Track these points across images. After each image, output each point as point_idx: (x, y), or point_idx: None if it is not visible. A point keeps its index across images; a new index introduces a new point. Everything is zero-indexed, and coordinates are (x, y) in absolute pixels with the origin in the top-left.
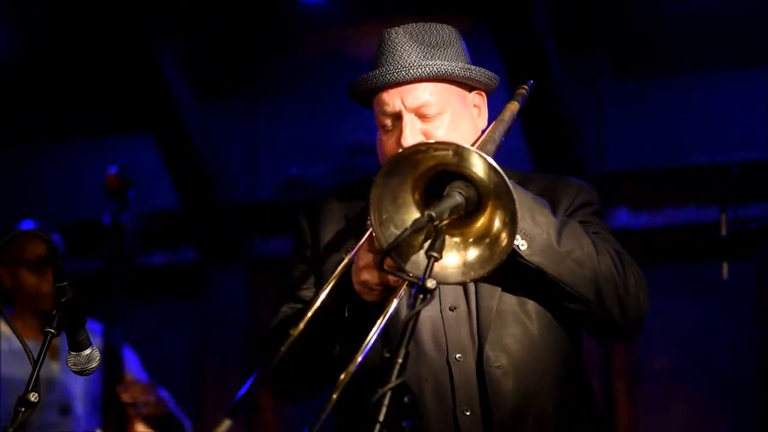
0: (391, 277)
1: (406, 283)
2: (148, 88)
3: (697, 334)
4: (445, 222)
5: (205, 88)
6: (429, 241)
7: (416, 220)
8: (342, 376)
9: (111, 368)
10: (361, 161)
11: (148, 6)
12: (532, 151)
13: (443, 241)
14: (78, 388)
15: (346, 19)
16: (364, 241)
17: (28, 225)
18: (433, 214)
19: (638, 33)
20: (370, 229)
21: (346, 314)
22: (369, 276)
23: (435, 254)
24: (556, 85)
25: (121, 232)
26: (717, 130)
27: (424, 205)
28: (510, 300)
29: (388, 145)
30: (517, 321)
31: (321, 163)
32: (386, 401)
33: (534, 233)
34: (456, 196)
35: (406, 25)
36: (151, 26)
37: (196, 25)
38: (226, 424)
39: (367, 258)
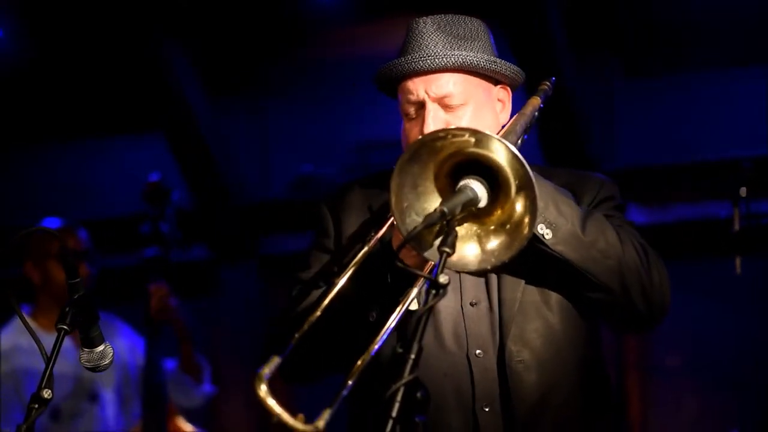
0: (415, 263)
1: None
2: (159, 87)
3: (710, 329)
4: (458, 217)
5: (216, 87)
6: (441, 237)
7: (428, 216)
8: (358, 363)
9: (151, 374)
10: (374, 159)
11: (159, 5)
12: (544, 148)
13: (455, 237)
14: (105, 375)
15: (358, 17)
16: (391, 225)
17: (51, 222)
18: (445, 210)
19: (649, 32)
20: (392, 218)
21: (365, 299)
22: None
23: (447, 249)
24: (568, 84)
25: (160, 240)
26: (728, 127)
27: (447, 192)
28: (533, 293)
29: (411, 134)
30: (539, 315)
31: (333, 161)
32: (399, 397)
33: (558, 222)
34: (468, 191)
35: (435, 15)
36: (162, 25)
37: (208, 24)
38: (275, 361)
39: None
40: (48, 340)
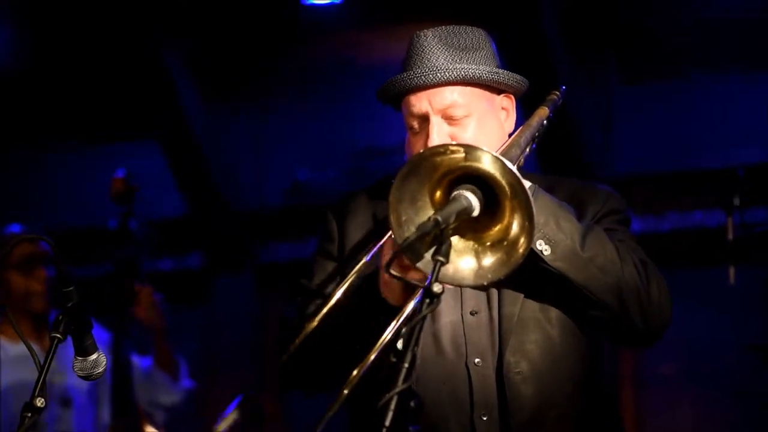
0: (412, 275)
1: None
2: (155, 92)
3: (704, 338)
4: (452, 226)
5: (212, 92)
6: (435, 246)
7: (421, 225)
8: (354, 373)
9: (119, 376)
10: (370, 165)
11: (155, 9)
12: (540, 155)
13: (449, 245)
14: (76, 380)
15: (355, 23)
16: (387, 241)
17: (14, 229)
18: (439, 218)
19: (645, 37)
20: (390, 232)
21: (365, 308)
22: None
23: (441, 258)
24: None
25: (128, 238)
26: (724, 134)
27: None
28: (532, 306)
29: (415, 147)
30: (539, 327)
31: (329, 167)
32: (392, 406)
33: (558, 238)
34: (462, 200)
35: (436, 27)
36: (159, 30)
37: (204, 29)
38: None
39: (389, 257)
40: (13, 350)
